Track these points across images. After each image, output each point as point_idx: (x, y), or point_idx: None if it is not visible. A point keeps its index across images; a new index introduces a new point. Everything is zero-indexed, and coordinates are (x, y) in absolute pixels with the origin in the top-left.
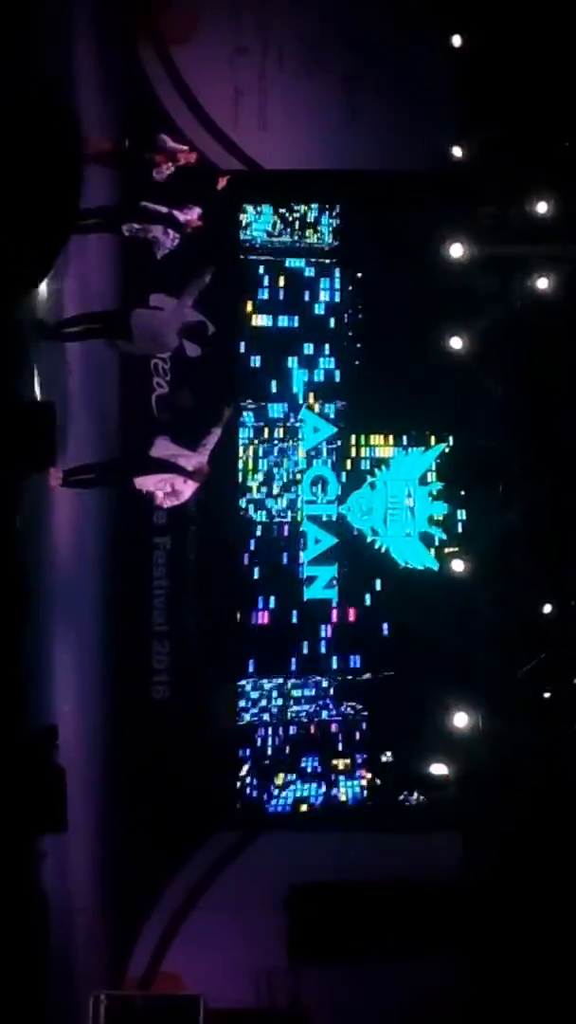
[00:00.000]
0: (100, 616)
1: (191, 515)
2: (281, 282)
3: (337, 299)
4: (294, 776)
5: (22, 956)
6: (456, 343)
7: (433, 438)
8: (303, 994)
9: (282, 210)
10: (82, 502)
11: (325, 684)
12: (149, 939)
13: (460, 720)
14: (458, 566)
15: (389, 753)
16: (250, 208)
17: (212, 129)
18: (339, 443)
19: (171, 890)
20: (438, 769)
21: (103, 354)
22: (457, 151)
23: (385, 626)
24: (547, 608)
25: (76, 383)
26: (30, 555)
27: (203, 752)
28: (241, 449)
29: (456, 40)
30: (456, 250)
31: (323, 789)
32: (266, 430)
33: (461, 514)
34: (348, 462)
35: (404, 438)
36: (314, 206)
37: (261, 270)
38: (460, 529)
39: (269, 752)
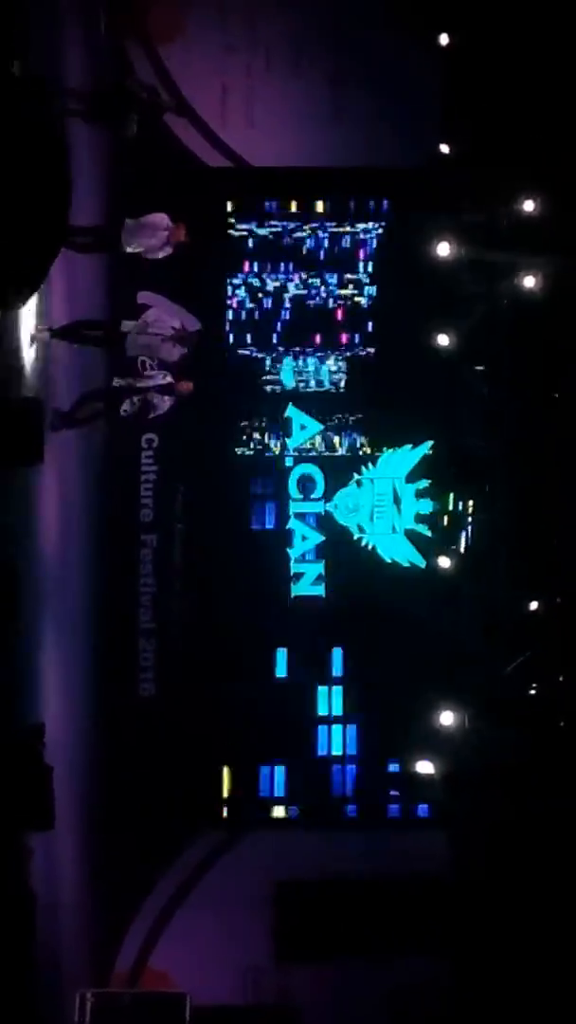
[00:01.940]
0: (87, 613)
1: (177, 513)
2: (268, 283)
3: (325, 298)
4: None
5: (9, 953)
6: (442, 341)
7: (419, 436)
8: (290, 991)
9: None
10: (69, 499)
11: None
12: (136, 936)
13: (446, 718)
14: (444, 563)
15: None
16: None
17: (200, 126)
18: (325, 440)
19: (158, 888)
20: (424, 767)
21: (90, 352)
22: (444, 149)
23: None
24: (532, 605)
25: (63, 380)
26: (18, 552)
27: (190, 749)
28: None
29: (443, 39)
30: (443, 249)
31: None
32: (252, 428)
33: (447, 512)
34: (334, 460)
35: (390, 436)
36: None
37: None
38: (446, 526)
39: None
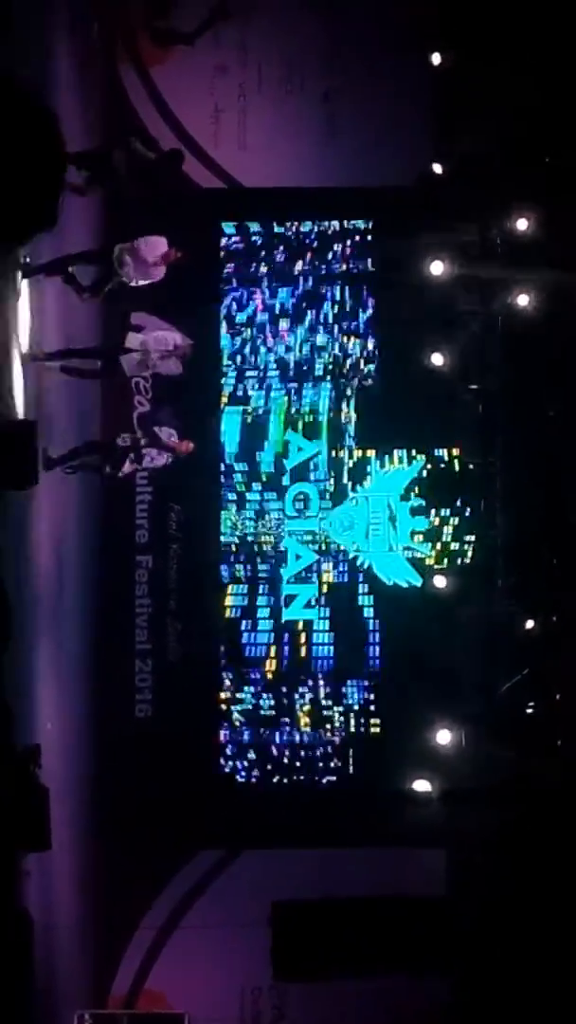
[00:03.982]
0: (83, 634)
1: (173, 534)
2: (260, 301)
3: (319, 318)
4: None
5: (6, 975)
6: (437, 359)
7: (414, 454)
8: (287, 1011)
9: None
10: (64, 520)
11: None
12: (133, 957)
13: (443, 736)
14: (440, 582)
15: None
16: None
17: (192, 146)
18: (321, 461)
19: (155, 908)
20: (421, 785)
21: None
22: (436, 168)
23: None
24: (529, 624)
25: (57, 402)
26: (13, 573)
27: (185, 770)
28: (224, 467)
29: (436, 58)
30: (436, 267)
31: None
32: (249, 449)
33: (443, 529)
34: (330, 479)
35: (385, 454)
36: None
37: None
38: (442, 544)
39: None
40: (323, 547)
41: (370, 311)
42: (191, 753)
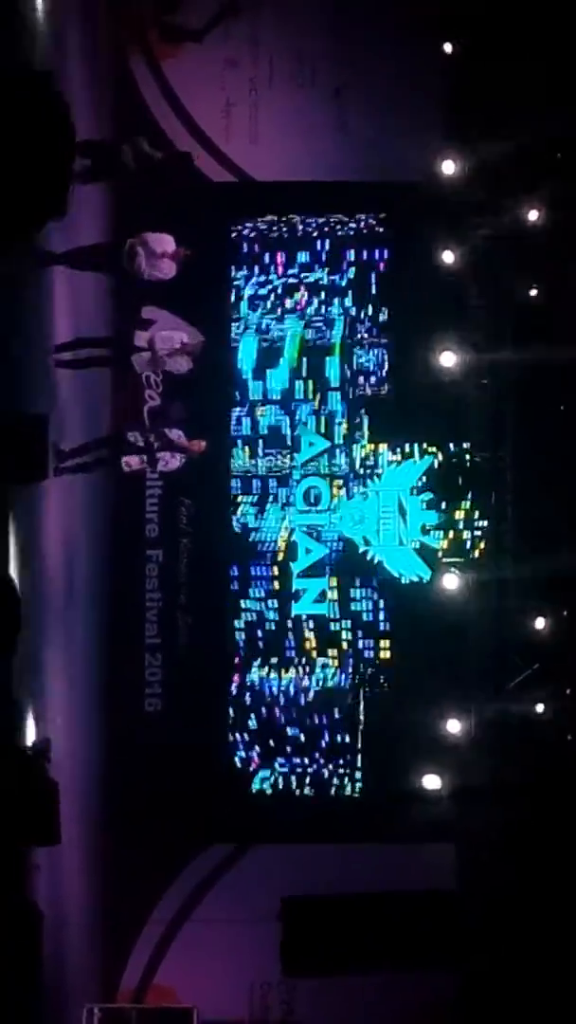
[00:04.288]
0: (93, 628)
1: (183, 528)
2: (271, 295)
3: (329, 312)
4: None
5: (15, 969)
6: (448, 354)
7: (425, 448)
8: (296, 1007)
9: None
10: (74, 514)
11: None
12: (142, 952)
13: (453, 732)
14: (450, 576)
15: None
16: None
17: (203, 140)
18: (332, 455)
19: (164, 902)
20: (431, 781)
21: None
22: (449, 162)
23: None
24: (539, 619)
25: (67, 396)
26: (23, 567)
27: (196, 764)
28: (235, 463)
29: (448, 47)
30: (448, 257)
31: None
32: (260, 443)
33: (453, 524)
34: (341, 473)
35: (396, 448)
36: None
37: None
38: (452, 539)
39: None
40: (333, 541)
41: (381, 305)
42: (200, 747)
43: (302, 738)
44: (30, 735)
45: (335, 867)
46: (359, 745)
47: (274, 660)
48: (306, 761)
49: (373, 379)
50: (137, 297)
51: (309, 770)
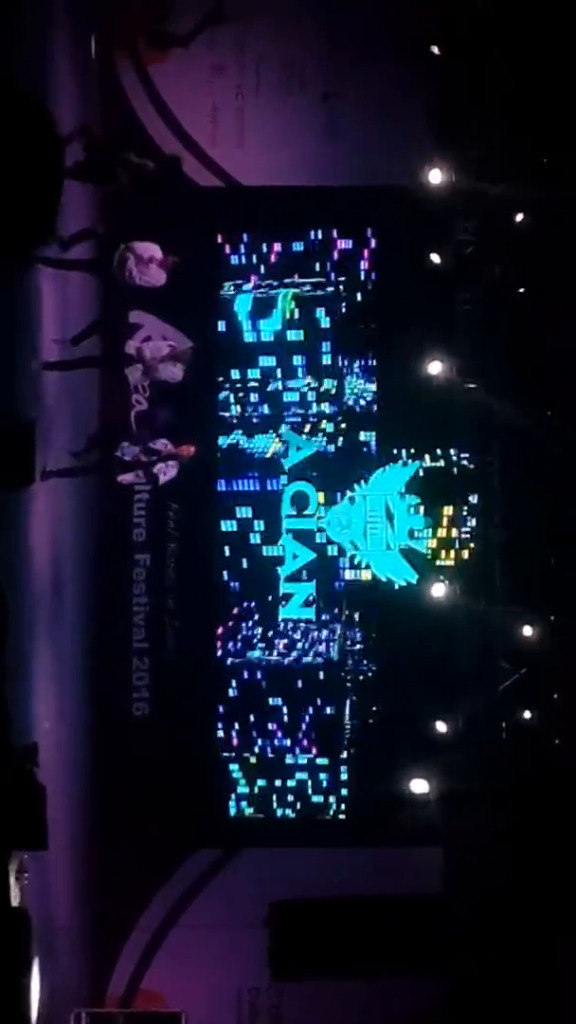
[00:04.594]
0: (81, 633)
1: (171, 533)
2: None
3: (318, 317)
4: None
5: (3, 974)
6: (435, 361)
7: (412, 452)
8: (285, 1012)
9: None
10: (62, 519)
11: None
12: (130, 956)
13: (441, 737)
14: (438, 581)
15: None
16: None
17: (190, 145)
18: (319, 460)
19: (152, 907)
20: (418, 786)
21: (82, 373)
22: (436, 168)
23: (365, 643)
24: (527, 624)
25: (55, 402)
26: (11, 571)
27: (183, 769)
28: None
29: (435, 49)
30: (436, 265)
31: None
32: (247, 447)
33: (440, 528)
34: (327, 477)
35: (384, 452)
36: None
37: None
38: (439, 544)
39: None
40: (320, 546)
41: (369, 309)
42: (188, 752)
43: (288, 742)
44: (18, 739)
45: (323, 872)
46: (346, 750)
47: (262, 663)
48: (291, 768)
49: (361, 383)
50: (125, 302)
51: (290, 783)
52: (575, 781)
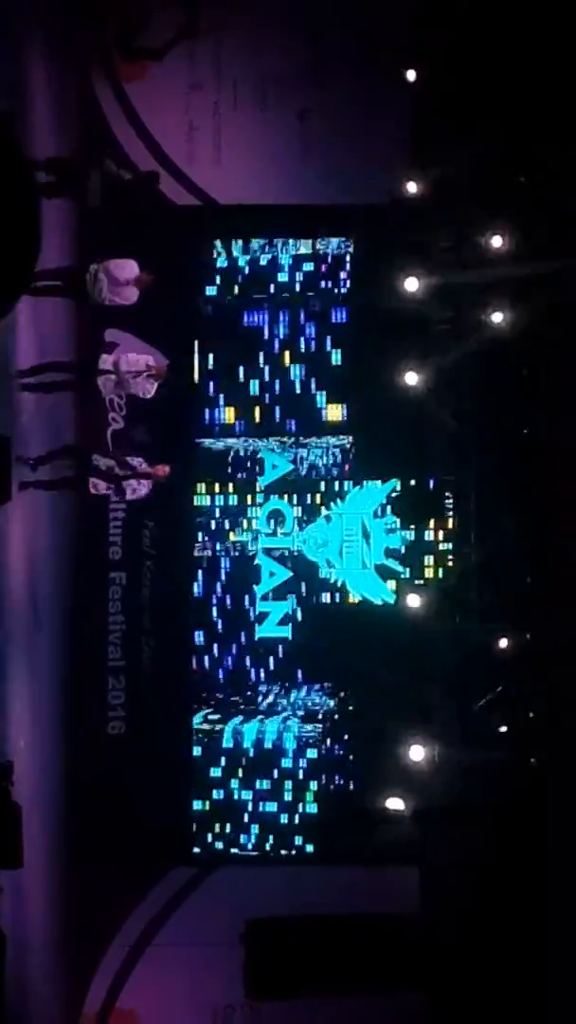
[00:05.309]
0: (56, 651)
1: (147, 551)
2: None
3: (293, 334)
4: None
5: None
6: (411, 378)
7: (388, 471)
8: None
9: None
10: (37, 537)
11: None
12: (105, 975)
13: (416, 754)
14: (414, 599)
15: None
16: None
17: (166, 163)
18: (295, 478)
19: (127, 926)
20: (394, 804)
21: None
22: (411, 186)
23: (339, 659)
24: (503, 641)
25: (30, 418)
26: None
27: (159, 787)
28: (197, 485)
29: (410, 75)
30: (411, 284)
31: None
32: (224, 467)
33: (417, 547)
34: (304, 496)
35: (359, 471)
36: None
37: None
38: (416, 562)
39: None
40: (297, 565)
41: (344, 328)
42: (164, 770)
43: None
44: None
45: (299, 890)
46: (320, 768)
47: (236, 678)
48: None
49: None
50: (100, 320)
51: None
52: (551, 798)
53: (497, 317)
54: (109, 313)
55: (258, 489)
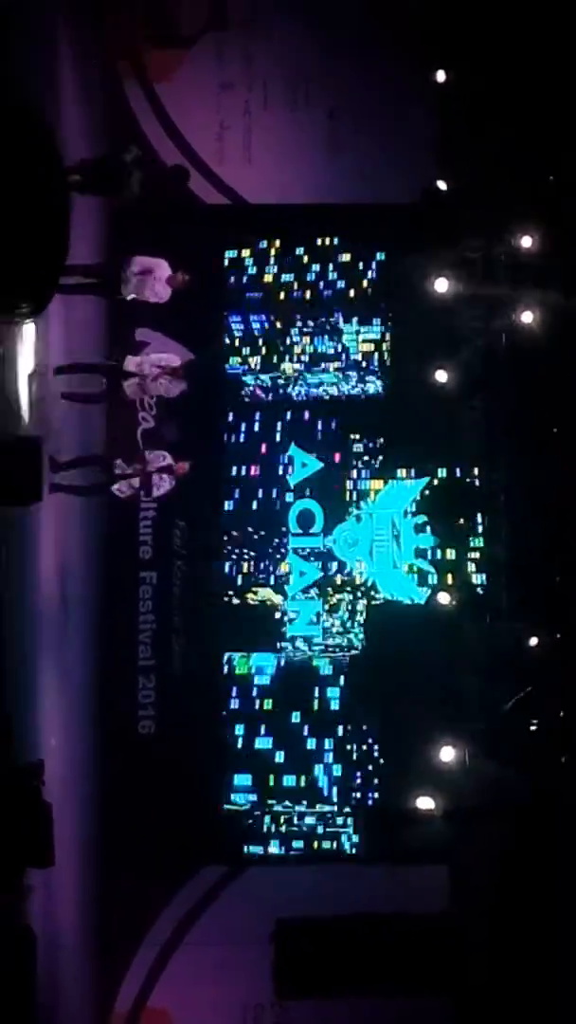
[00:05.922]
0: (87, 650)
1: (177, 550)
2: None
3: (324, 334)
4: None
5: (9, 992)
6: (442, 376)
7: (418, 470)
8: None
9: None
10: (68, 536)
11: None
12: (136, 974)
13: (447, 754)
14: (444, 599)
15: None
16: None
17: (196, 163)
18: (325, 477)
19: (158, 925)
20: (425, 803)
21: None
22: (441, 185)
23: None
24: (533, 641)
25: (62, 417)
26: (16, 588)
27: (189, 787)
28: (227, 484)
29: (440, 75)
30: (441, 285)
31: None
32: (254, 465)
33: (447, 546)
34: (334, 495)
35: (390, 470)
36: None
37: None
38: (446, 561)
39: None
40: (326, 564)
41: (375, 328)
42: (194, 769)
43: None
44: (24, 757)
45: (329, 889)
46: (353, 770)
47: (268, 678)
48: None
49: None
50: (131, 319)
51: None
52: None
53: (527, 316)
54: (140, 312)
55: (288, 488)
